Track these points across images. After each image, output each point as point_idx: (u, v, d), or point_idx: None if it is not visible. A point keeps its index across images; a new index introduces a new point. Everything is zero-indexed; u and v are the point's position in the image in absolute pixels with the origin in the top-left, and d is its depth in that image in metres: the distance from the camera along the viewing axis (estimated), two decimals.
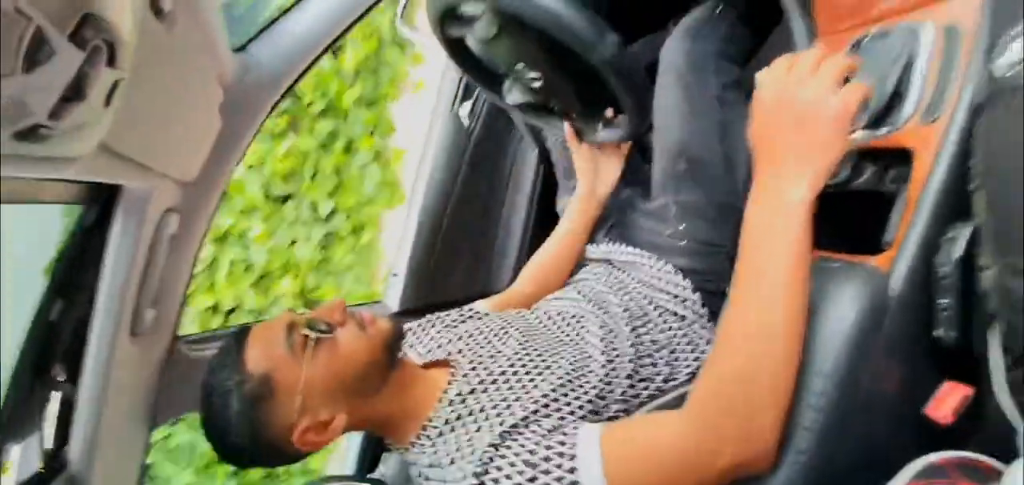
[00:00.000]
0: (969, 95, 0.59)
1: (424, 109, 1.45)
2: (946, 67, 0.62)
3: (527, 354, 0.79)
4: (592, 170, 1.10)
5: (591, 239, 1.13)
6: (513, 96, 1.01)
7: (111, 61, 0.45)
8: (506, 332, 0.85)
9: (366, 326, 0.73)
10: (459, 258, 1.51)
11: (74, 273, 0.85)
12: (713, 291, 0.94)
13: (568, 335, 0.88)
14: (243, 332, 0.72)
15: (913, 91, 0.65)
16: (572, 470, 0.61)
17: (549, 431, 0.66)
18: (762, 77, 0.60)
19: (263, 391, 0.68)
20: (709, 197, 0.95)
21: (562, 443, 0.63)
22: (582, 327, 0.88)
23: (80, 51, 0.41)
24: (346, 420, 0.71)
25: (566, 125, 1.09)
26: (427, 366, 0.83)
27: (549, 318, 0.92)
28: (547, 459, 0.62)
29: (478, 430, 0.68)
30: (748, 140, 0.62)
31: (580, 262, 1.13)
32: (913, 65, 0.64)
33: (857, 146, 0.70)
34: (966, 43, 0.60)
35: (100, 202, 0.80)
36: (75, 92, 0.42)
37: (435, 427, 0.72)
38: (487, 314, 0.94)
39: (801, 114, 0.55)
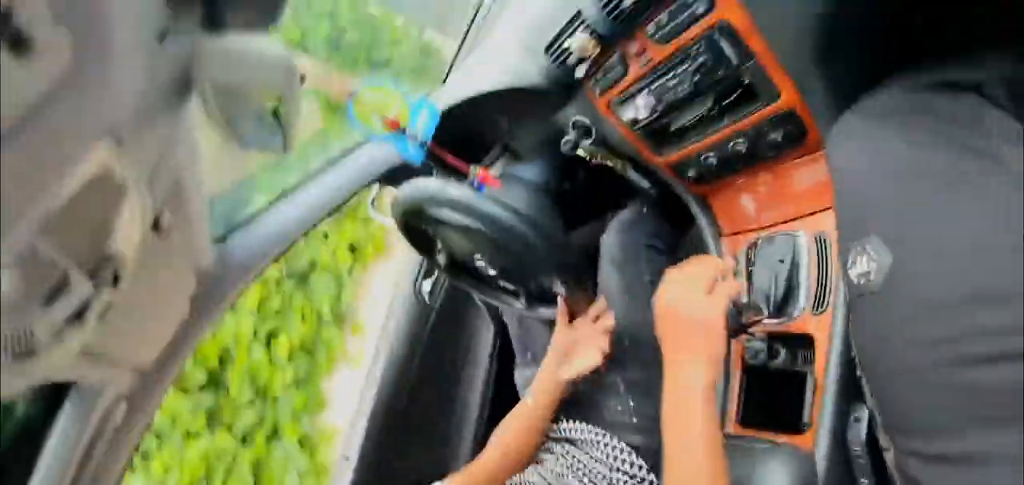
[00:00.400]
0: (843, 292, 0.69)
1: (358, 383, 1.51)
2: (822, 268, 0.73)
3: None
4: (564, 354, 1.09)
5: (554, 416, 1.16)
6: (470, 280, 1.10)
7: (114, 282, 0.47)
8: None
9: None
10: (416, 438, 1.48)
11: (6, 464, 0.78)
12: None
13: None
14: None
15: (802, 286, 0.76)
16: None
17: None
18: (659, 291, 0.70)
19: None
20: (653, 374, 1.01)
21: None
22: None
23: (91, 284, 0.44)
24: None
25: (561, 303, 1.16)
26: None
27: None
28: None
29: None
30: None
31: (543, 440, 1.15)
32: (798, 264, 0.76)
33: (766, 330, 0.80)
34: (833, 249, 0.72)
35: (50, 394, 0.76)
36: (76, 317, 0.44)
37: None
38: None
39: (684, 319, 0.65)
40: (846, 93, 0.62)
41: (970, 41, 0.57)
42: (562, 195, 1.18)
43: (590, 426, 1.07)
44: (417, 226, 1.09)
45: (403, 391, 1.46)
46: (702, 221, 0.93)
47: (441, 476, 1.10)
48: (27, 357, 0.43)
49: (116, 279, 0.48)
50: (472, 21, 1.27)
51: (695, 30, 0.66)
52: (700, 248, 0.98)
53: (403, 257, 1.61)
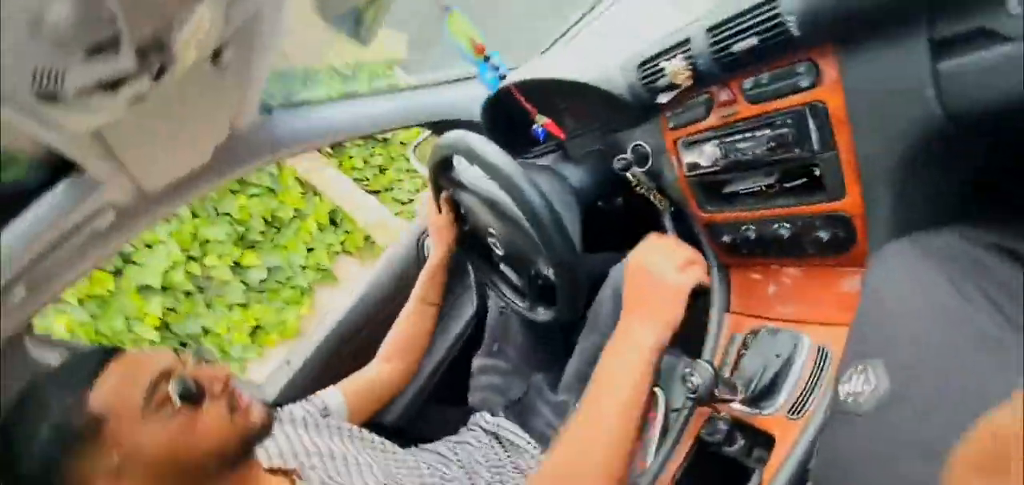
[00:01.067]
0: (824, 408, 0.70)
1: None
2: (814, 378, 0.74)
3: None
4: (447, 238, 1.18)
5: (491, 409, 1.16)
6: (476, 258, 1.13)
7: (157, 76, 0.47)
8: (369, 468, 0.83)
9: (237, 410, 0.67)
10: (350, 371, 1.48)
11: None
12: None
13: None
14: (109, 353, 0.64)
15: (786, 387, 0.77)
16: None
17: None
18: (635, 250, 0.74)
19: (85, 433, 0.58)
20: None
21: None
22: None
23: (137, 64, 0.43)
24: None
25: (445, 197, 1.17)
26: (272, 470, 0.77)
27: (415, 469, 0.91)
28: None
29: None
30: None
31: (469, 422, 1.15)
32: (791, 366, 0.77)
33: (733, 414, 0.80)
34: (832, 367, 0.72)
35: (53, 166, 0.74)
36: (110, 85, 0.44)
37: None
38: (350, 430, 0.92)
39: (653, 280, 0.70)
40: (907, 222, 0.64)
41: None
42: (594, 210, 1.19)
43: (522, 432, 1.07)
44: (444, 185, 1.11)
45: (368, 323, 1.45)
46: (715, 290, 0.94)
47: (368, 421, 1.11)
48: (49, 100, 0.42)
49: (161, 73, 0.47)
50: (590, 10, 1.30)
51: (790, 101, 0.68)
52: (700, 315, 0.98)
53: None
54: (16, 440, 0.58)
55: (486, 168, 0.88)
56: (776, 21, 0.63)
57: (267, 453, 0.82)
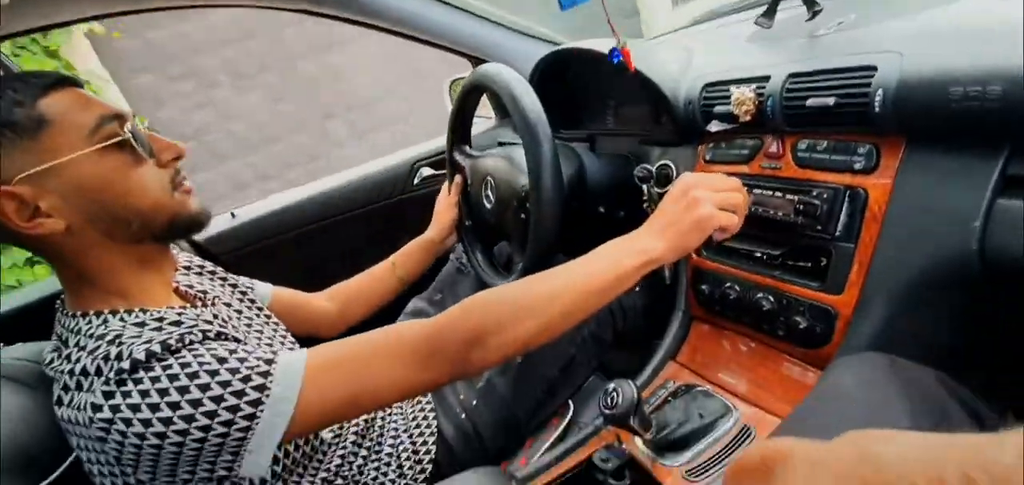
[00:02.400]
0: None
1: None
2: (726, 452, 0.71)
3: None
4: (446, 228, 1.16)
5: None
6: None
7: None
8: (269, 342, 0.79)
9: (178, 188, 0.66)
10: (305, 264, 1.42)
11: None
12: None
13: None
14: (75, 81, 0.62)
15: (696, 448, 0.73)
16: (270, 360, 0.57)
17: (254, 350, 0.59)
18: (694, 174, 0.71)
19: (23, 127, 0.55)
20: (512, 400, 0.95)
21: (266, 355, 0.58)
22: None
23: None
24: (63, 230, 0.58)
25: (457, 181, 1.15)
26: (177, 290, 0.73)
27: None
28: (247, 352, 0.57)
29: (179, 330, 0.57)
30: None
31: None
32: (710, 431, 0.74)
33: (631, 450, 0.76)
34: (751, 445, 0.69)
35: None
36: None
37: (140, 318, 0.58)
38: (263, 311, 0.87)
39: (686, 204, 0.66)
40: (887, 345, 0.61)
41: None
42: (593, 212, 1.16)
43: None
44: (459, 158, 1.11)
45: (328, 216, 1.41)
46: (669, 334, 0.90)
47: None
48: None
49: None
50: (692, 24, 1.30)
51: (836, 177, 0.67)
52: (641, 357, 0.95)
53: None
54: None
55: (514, 106, 0.85)
56: (862, 91, 0.62)
57: (179, 279, 0.78)
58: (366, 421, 0.87)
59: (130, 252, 0.63)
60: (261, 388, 0.55)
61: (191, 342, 0.55)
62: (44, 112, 0.57)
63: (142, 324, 0.57)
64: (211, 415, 0.52)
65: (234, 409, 0.53)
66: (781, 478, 0.26)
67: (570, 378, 0.98)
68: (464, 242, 1.16)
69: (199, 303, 0.73)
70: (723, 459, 0.70)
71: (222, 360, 0.55)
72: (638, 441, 0.77)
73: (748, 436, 0.71)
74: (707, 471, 0.70)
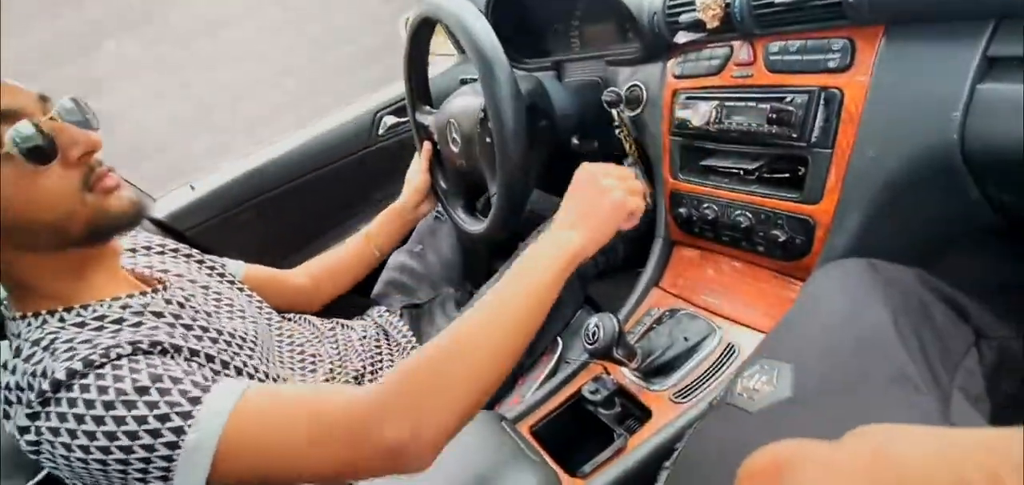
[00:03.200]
0: (710, 399, 0.66)
1: None
2: (712, 372, 0.70)
3: (242, 338, 0.69)
4: (418, 192, 1.12)
5: (389, 305, 1.09)
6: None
7: None
8: (240, 315, 0.76)
9: (94, 189, 0.56)
10: (277, 224, 1.36)
11: None
12: None
13: (294, 362, 0.82)
14: None
15: (682, 371, 0.73)
16: (195, 400, 0.49)
17: (193, 367, 0.54)
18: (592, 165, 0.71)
19: None
20: None
21: (197, 380, 0.51)
22: (314, 367, 0.83)
23: None
24: None
25: (426, 147, 1.12)
26: (133, 273, 0.69)
27: (284, 336, 0.85)
28: (173, 381, 0.50)
29: (127, 336, 0.53)
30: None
31: (364, 312, 1.08)
32: (695, 353, 0.73)
33: (620, 382, 0.75)
34: (736, 362, 0.69)
35: None
36: None
37: (81, 317, 0.55)
38: (237, 286, 0.84)
39: (598, 191, 0.67)
40: (868, 250, 0.59)
41: (1009, 305, 0.56)
42: (566, 148, 1.12)
43: (411, 335, 1.02)
44: (423, 122, 1.07)
45: (290, 179, 1.35)
46: (651, 262, 0.89)
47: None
48: None
49: None
50: None
51: (809, 78, 0.63)
52: (627, 286, 0.94)
53: None
54: None
55: (466, 39, 0.79)
56: None
57: (134, 261, 0.73)
58: (357, 376, 0.86)
59: (56, 259, 0.56)
60: (178, 432, 0.47)
61: (118, 357, 0.50)
62: None
63: (81, 324, 0.53)
64: (126, 450, 0.47)
65: (149, 447, 0.47)
66: (791, 482, 0.24)
67: (556, 315, 0.97)
68: (442, 202, 1.12)
69: (158, 285, 0.68)
70: (708, 380, 0.70)
71: (142, 390, 0.48)
72: (625, 370, 0.76)
73: (732, 355, 0.70)
74: (694, 391, 0.70)
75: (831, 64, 0.61)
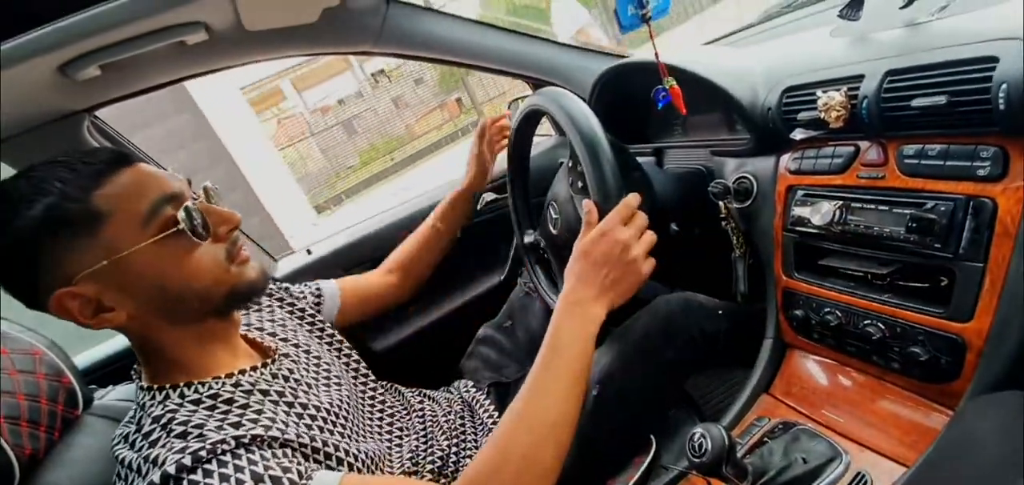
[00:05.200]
0: None
1: None
2: None
3: (336, 413, 0.73)
4: (478, 167, 1.19)
5: (477, 382, 1.09)
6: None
7: None
8: (337, 384, 0.79)
9: (235, 259, 0.64)
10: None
11: None
12: None
13: (384, 433, 0.84)
14: (124, 159, 0.60)
15: None
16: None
17: (292, 460, 0.58)
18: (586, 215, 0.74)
19: (80, 224, 0.55)
20: (589, 434, 0.91)
21: (298, 475, 0.55)
22: (400, 439, 0.86)
23: None
24: (125, 320, 0.59)
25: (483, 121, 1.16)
26: (247, 338, 0.75)
27: (374, 404, 0.88)
28: (275, 478, 0.53)
29: (232, 422, 0.58)
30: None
31: (451, 385, 1.09)
32: (817, 479, 0.66)
33: None
34: None
35: None
36: None
37: (198, 394, 0.60)
38: (332, 336, 0.90)
39: (607, 256, 0.70)
40: None
41: None
42: (665, 232, 1.10)
43: (496, 414, 1.00)
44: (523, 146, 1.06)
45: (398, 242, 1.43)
46: (760, 364, 0.83)
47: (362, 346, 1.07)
48: None
49: None
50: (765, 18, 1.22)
51: (954, 186, 0.58)
52: (729, 386, 0.88)
53: None
54: (9, 205, 0.55)
55: (570, 124, 0.80)
56: (981, 87, 0.53)
57: (248, 320, 0.80)
58: (442, 459, 0.86)
59: (192, 329, 0.63)
60: None
61: (223, 453, 0.53)
62: (99, 206, 0.55)
63: (197, 402, 0.58)
64: None
65: None
66: None
67: (651, 411, 0.92)
68: (533, 276, 1.12)
69: (269, 354, 0.74)
70: None
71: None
72: None
73: (864, 481, 0.62)
74: None
75: (981, 172, 0.55)
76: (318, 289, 0.96)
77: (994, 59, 0.52)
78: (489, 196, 1.55)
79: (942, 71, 0.56)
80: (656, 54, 0.82)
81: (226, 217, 0.64)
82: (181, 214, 0.59)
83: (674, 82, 0.81)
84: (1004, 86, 0.51)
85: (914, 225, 0.60)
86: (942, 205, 0.58)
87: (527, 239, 1.11)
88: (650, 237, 0.72)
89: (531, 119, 1.01)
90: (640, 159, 1.18)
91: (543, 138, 1.63)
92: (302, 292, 0.94)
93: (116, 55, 0.80)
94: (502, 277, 1.56)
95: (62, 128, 0.95)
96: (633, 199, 0.73)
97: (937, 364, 0.60)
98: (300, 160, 13.85)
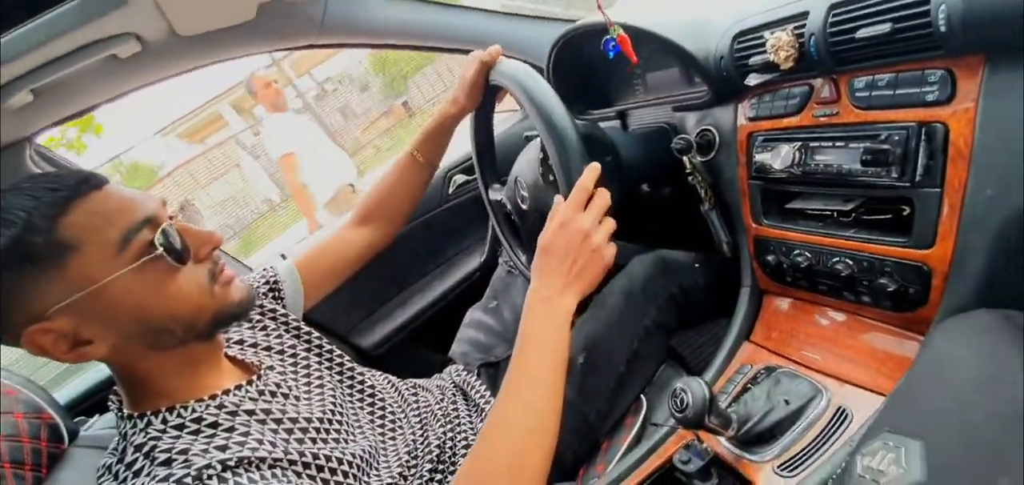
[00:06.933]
0: (826, 472, 0.59)
1: None
2: (822, 439, 0.64)
3: (328, 420, 0.72)
4: (466, 94, 0.99)
5: (468, 364, 1.09)
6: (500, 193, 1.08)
7: None
8: (320, 388, 0.79)
9: (217, 281, 0.62)
10: (351, 288, 1.45)
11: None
12: None
13: (376, 427, 0.84)
14: (91, 181, 0.56)
15: (786, 438, 0.66)
16: None
17: (280, 480, 0.57)
18: (559, 209, 0.72)
19: (47, 257, 0.52)
20: (582, 404, 0.92)
21: None
22: (394, 432, 0.85)
23: None
24: (106, 352, 0.56)
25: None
26: (228, 357, 0.73)
27: (364, 400, 0.87)
28: None
29: (218, 445, 0.57)
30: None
31: (443, 372, 1.09)
32: (800, 417, 0.67)
33: (715, 450, 0.70)
34: (850, 429, 0.62)
35: None
36: None
37: (181, 418, 0.59)
38: (309, 334, 0.87)
39: (569, 248, 0.69)
40: (996, 298, 0.52)
41: None
42: (637, 193, 1.09)
43: (489, 395, 1.02)
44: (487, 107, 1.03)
45: None
46: (739, 314, 0.83)
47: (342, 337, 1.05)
48: None
49: None
50: None
51: (906, 114, 0.57)
52: (713, 337, 0.89)
53: None
54: None
55: (528, 99, 0.79)
56: (921, 11, 0.52)
57: (229, 336, 0.77)
58: (439, 447, 0.86)
59: (176, 355, 0.61)
60: None
61: (209, 478, 0.52)
62: (65, 236, 0.52)
63: (181, 427, 0.57)
64: None
65: None
66: None
67: (638, 371, 0.93)
68: (514, 257, 1.12)
69: (253, 370, 0.73)
70: (818, 450, 0.63)
71: None
72: (720, 437, 0.71)
73: (845, 420, 0.63)
74: (802, 463, 0.63)
75: (929, 97, 0.55)
76: (273, 278, 0.91)
77: None
78: (460, 178, 1.55)
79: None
80: (599, 5, 0.80)
81: (206, 237, 0.62)
82: (158, 237, 0.56)
83: (621, 30, 0.79)
84: (942, 8, 0.50)
85: (869, 158, 0.59)
86: (895, 134, 0.58)
87: (493, 196, 1.10)
88: (610, 223, 0.71)
89: (490, 94, 1.00)
90: (604, 123, 1.17)
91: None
92: (255, 281, 0.90)
93: (45, 77, 0.77)
94: (483, 258, 1.56)
95: (1, 159, 0.91)
96: (588, 178, 0.70)
97: (905, 293, 0.61)
98: (244, 186, 13.37)
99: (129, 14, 0.76)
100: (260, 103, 2.41)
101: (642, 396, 0.92)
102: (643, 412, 0.89)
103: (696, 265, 0.98)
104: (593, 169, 0.71)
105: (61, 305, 0.52)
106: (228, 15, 0.92)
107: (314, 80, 15.42)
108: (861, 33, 0.58)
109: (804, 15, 0.65)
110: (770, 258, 0.77)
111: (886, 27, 0.55)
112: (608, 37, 0.79)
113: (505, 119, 1.62)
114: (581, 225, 0.69)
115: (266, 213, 12.90)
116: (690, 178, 0.90)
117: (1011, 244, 0.52)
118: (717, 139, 0.84)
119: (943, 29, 0.51)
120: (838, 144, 0.64)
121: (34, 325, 0.52)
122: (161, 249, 0.56)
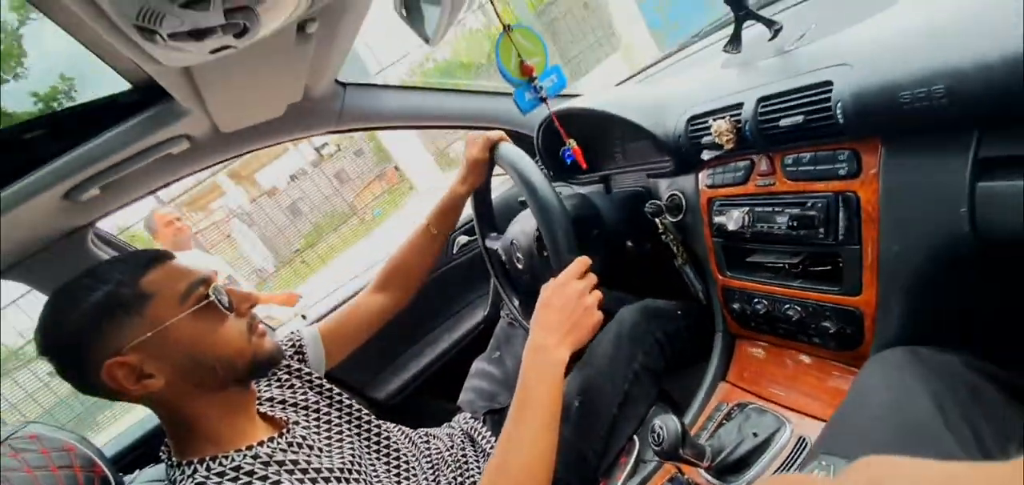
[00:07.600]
0: None
1: None
2: (786, 466, 0.73)
3: (349, 471, 0.81)
4: (474, 172, 1.11)
5: (474, 412, 1.18)
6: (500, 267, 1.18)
7: (239, 35, 0.55)
8: (341, 441, 0.88)
9: (254, 332, 0.76)
10: (366, 344, 1.54)
11: (77, 120, 0.85)
12: None
13: (392, 475, 0.92)
14: (162, 255, 0.73)
15: (756, 467, 0.76)
16: None
17: None
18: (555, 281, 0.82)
19: (132, 304, 0.67)
20: (580, 443, 1.01)
21: None
22: (408, 479, 0.93)
23: (224, 20, 0.51)
24: (162, 387, 0.68)
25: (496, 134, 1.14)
26: (262, 414, 0.83)
27: (381, 451, 0.96)
28: None
29: None
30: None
31: (452, 420, 1.17)
32: (767, 448, 0.76)
33: (696, 481, 0.79)
34: (808, 458, 0.71)
35: (145, 89, 0.83)
36: (198, 35, 0.53)
37: (223, 466, 0.69)
38: (330, 391, 0.96)
39: (565, 306, 0.79)
40: (915, 336, 0.62)
41: None
42: (623, 250, 1.20)
43: (494, 440, 1.08)
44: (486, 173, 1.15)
45: None
46: (714, 357, 0.93)
47: (362, 394, 1.12)
48: (147, 35, 0.52)
49: (243, 33, 0.55)
50: (666, 57, 1.34)
51: (826, 185, 0.69)
52: (699, 382, 0.98)
53: None
54: (69, 300, 0.67)
55: (528, 189, 0.90)
56: (825, 106, 0.64)
57: (260, 393, 0.88)
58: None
59: (217, 398, 0.72)
60: None
61: None
62: (145, 288, 0.68)
63: (222, 474, 0.67)
64: None
65: None
66: None
67: (631, 413, 1.01)
68: (514, 312, 1.22)
69: (282, 425, 0.82)
70: (782, 474, 0.72)
71: None
72: (700, 470, 0.79)
73: (804, 448, 0.73)
74: None
75: (842, 172, 0.67)
76: (299, 341, 1.01)
77: (829, 83, 0.63)
78: (463, 239, 1.66)
79: (795, 95, 0.68)
80: (553, 118, 0.92)
81: (246, 296, 0.76)
82: (211, 292, 0.71)
83: (574, 143, 0.92)
84: (840, 104, 0.62)
85: (795, 223, 0.71)
86: (819, 202, 0.70)
87: (490, 244, 1.20)
88: (598, 295, 0.81)
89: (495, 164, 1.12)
90: (589, 187, 1.30)
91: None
92: (300, 362, 0.98)
93: (113, 176, 0.90)
94: (486, 312, 1.66)
95: (67, 243, 1.05)
96: (584, 261, 0.84)
97: (844, 334, 0.71)
98: (238, 259, 13.54)
99: (184, 121, 0.89)
100: (159, 242, 2.39)
101: (635, 437, 1.01)
102: (635, 452, 0.98)
103: (679, 312, 1.08)
104: (581, 262, 0.83)
105: (136, 342, 0.66)
106: (263, 113, 1.06)
107: (312, 146, 15.91)
108: (783, 122, 0.70)
109: (739, 106, 0.77)
110: (736, 306, 0.88)
111: (800, 118, 0.67)
112: (565, 148, 0.92)
113: (501, 181, 1.75)
114: (577, 287, 0.80)
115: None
116: (663, 237, 1.01)
117: (920, 291, 0.63)
118: (685, 203, 0.96)
119: (841, 120, 0.62)
120: (777, 209, 0.76)
121: (112, 359, 0.65)
122: (213, 299, 0.71)
